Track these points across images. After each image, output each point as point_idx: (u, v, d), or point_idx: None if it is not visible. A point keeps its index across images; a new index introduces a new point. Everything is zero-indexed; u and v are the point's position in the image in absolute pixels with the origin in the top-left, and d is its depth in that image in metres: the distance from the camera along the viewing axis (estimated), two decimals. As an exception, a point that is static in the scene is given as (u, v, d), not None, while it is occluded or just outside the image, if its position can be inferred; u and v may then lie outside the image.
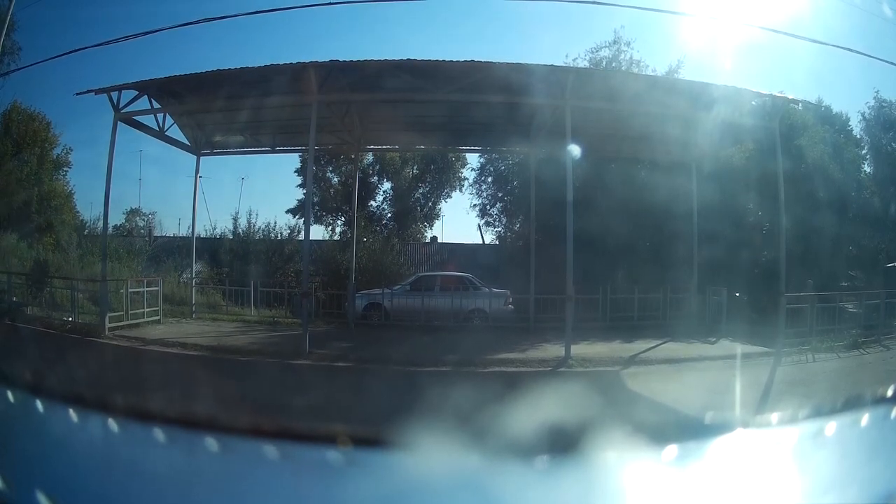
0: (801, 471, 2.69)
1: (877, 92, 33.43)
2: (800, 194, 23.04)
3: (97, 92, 19.89)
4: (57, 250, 28.49)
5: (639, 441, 2.66)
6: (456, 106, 21.87)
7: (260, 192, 69.49)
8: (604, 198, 24.02)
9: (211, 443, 2.70)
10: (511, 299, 24.01)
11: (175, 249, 30.60)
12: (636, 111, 19.06)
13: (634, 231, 24.13)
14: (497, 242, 38.00)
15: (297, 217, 38.47)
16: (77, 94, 20.67)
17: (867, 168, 32.65)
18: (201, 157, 25.83)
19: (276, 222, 36.88)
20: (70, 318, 21.09)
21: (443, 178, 41.44)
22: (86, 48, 20.67)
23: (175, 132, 24.11)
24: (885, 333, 19.93)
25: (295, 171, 39.22)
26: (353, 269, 25.97)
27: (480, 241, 39.30)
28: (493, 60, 17.71)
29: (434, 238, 41.36)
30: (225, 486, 2.58)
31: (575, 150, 18.35)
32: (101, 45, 20.08)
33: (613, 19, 30.80)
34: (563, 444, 2.60)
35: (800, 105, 23.17)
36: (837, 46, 20.55)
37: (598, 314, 23.06)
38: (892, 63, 22.15)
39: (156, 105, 21.46)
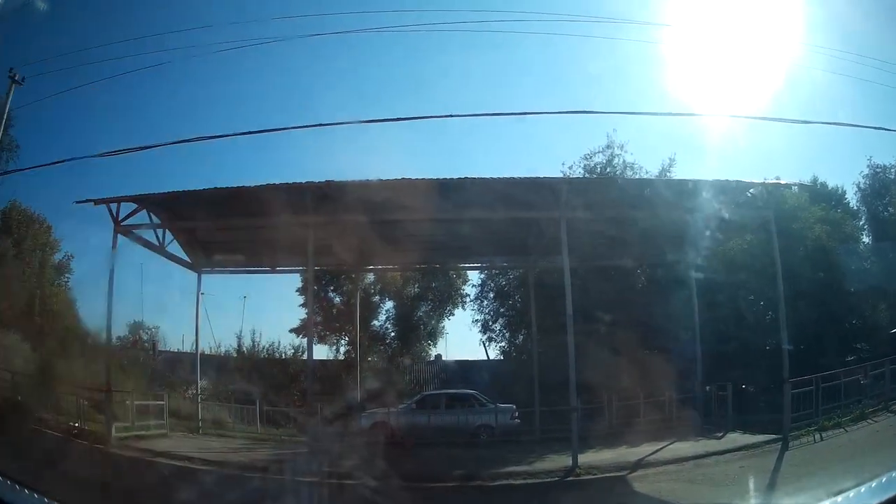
0: None
1: (870, 158, 33.62)
2: (800, 277, 23.23)
3: (96, 202, 20.35)
4: (60, 356, 28.14)
5: None
6: (452, 223, 22.08)
7: (262, 310, 68.93)
8: (604, 304, 24.11)
9: None
10: (517, 413, 23.82)
11: (179, 365, 30.46)
12: (633, 214, 19.30)
13: (637, 335, 24.17)
14: (501, 357, 37.83)
15: (300, 336, 38.27)
16: (76, 202, 21.23)
17: (865, 238, 32.82)
18: (202, 275, 26.07)
19: (279, 341, 36.95)
20: (77, 424, 20.77)
21: (444, 296, 41.47)
22: (86, 157, 20.75)
23: (175, 248, 24.38)
24: (892, 399, 19.88)
25: (296, 291, 39.12)
26: (358, 388, 25.85)
27: (485, 357, 39.16)
28: (486, 176, 18.13)
29: (438, 356, 40.94)
30: None
31: (572, 261, 18.59)
32: (102, 155, 20.15)
33: (605, 124, 31.15)
34: None
35: (796, 188, 23.43)
36: (826, 123, 20.77)
37: (603, 421, 22.91)
38: (880, 128, 22.27)
39: (155, 220, 21.81)
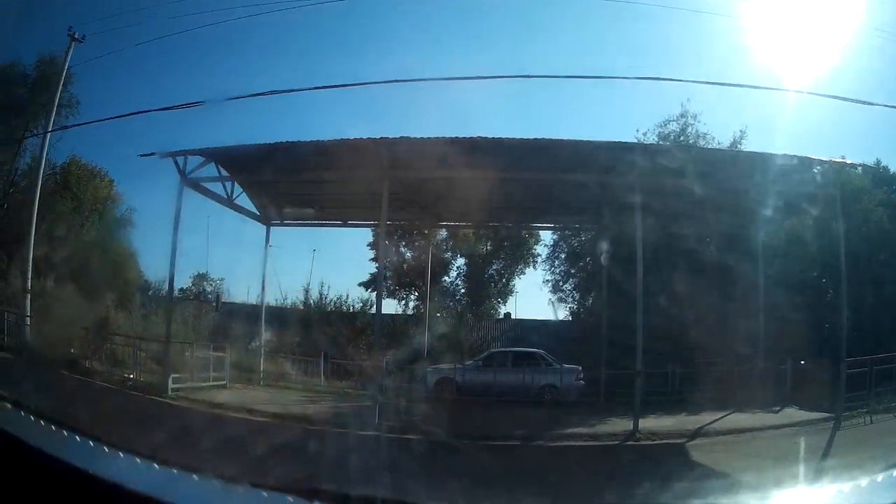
0: None
1: None
2: (861, 259, 22.86)
3: (162, 156, 20.59)
4: (119, 308, 28.77)
5: None
6: (528, 183, 22.00)
7: (332, 263, 69.42)
8: (673, 272, 23.99)
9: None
10: (582, 375, 23.85)
11: (243, 317, 30.78)
12: (703, 183, 19.05)
13: (703, 303, 23.92)
14: (570, 318, 37.85)
15: (369, 290, 38.78)
16: (141, 155, 21.67)
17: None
18: (271, 227, 26.31)
19: (348, 295, 37.31)
20: (131, 375, 21.36)
21: (516, 255, 41.41)
22: (150, 111, 20.72)
23: (244, 200, 24.58)
24: None
25: (367, 245, 39.17)
26: (424, 343, 25.95)
27: (553, 317, 39.18)
28: (560, 138, 17.96)
29: (507, 314, 41.32)
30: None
31: (645, 226, 18.42)
32: (166, 109, 20.20)
33: (681, 93, 30.68)
34: None
35: (859, 168, 22.99)
36: (888, 106, 20.20)
37: (666, 388, 23.03)
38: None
39: (223, 173, 21.96)
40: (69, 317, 24.94)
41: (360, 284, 40.14)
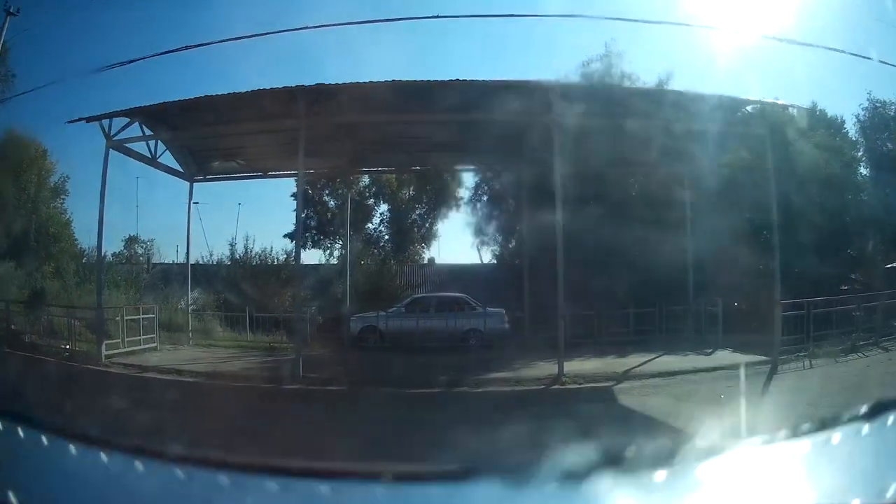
0: (790, 484, 2.61)
1: (869, 93, 33.36)
2: (796, 200, 22.93)
3: (88, 120, 20.12)
4: (56, 278, 28.38)
5: (626, 460, 2.61)
6: (446, 125, 21.66)
7: (258, 217, 69.09)
8: (597, 212, 23.75)
9: (193, 472, 2.69)
10: (507, 318, 23.83)
11: (174, 277, 30.54)
12: (626, 124, 19.00)
13: (628, 244, 24.01)
14: (495, 262, 37.65)
15: (294, 241, 38.21)
16: (68, 122, 21.38)
17: (864, 170, 32.61)
18: (195, 184, 25.95)
19: (272, 247, 36.82)
20: (67, 346, 20.92)
21: (439, 199, 41.24)
22: (75, 76, 20.87)
23: (168, 159, 24.19)
24: (884, 336, 19.90)
25: (291, 196, 38.73)
26: (347, 293, 25.88)
27: (479, 261, 39.07)
28: (479, 79, 17.79)
29: (432, 259, 41.10)
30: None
31: (564, 166, 18.30)
32: (92, 72, 20.14)
33: (604, 33, 30.69)
34: (549, 464, 2.55)
35: (794, 110, 23.15)
36: (828, 48, 20.44)
37: (592, 330, 22.93)
38: (882, 62, 22.07)
39: (147, 132, 21.48)
40: (7, 292, 24.93)
41: (285, 236, 39.42)
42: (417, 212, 42.18)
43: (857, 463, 2.85)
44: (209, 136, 23.09)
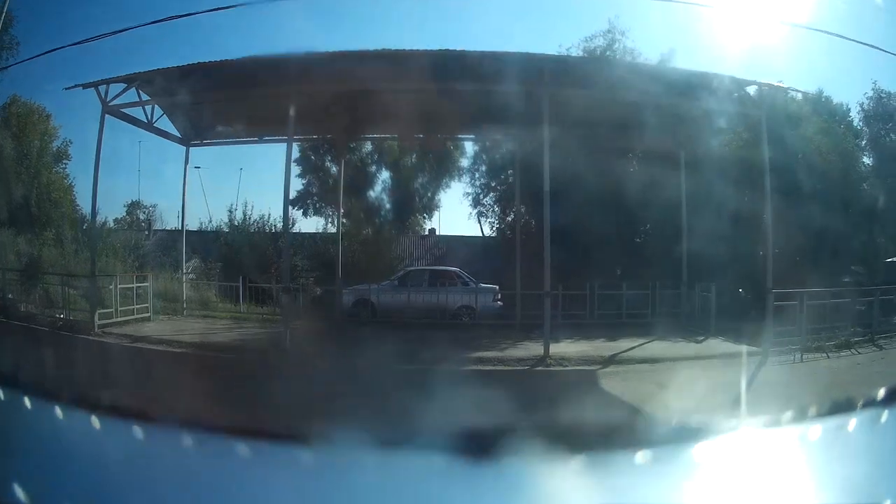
0: (767, 476, 2.62)
1: (874, 83, 33.00)
2: (796, 186, 22.74)
3: (85, 86, 20.22)
4: (55, 245, 28.36)
5: (604, 444, 2.60)
6: (449, 94, 21.42)
7: (260, 183, 69.01)
8: (591, 190, 23.44)
9: (180, 438, 2.76)
10: (499, 295, 23.83)
11: (173, 243, 30.47)
12: (622, 99, 18.90)
13: (623, 224, 23.93)
14: (495, 234, 37.48)
15: (296, 208, 37.96)
16: (66, 88, 21.37)
17: (867, 160, 32.34)
18: (192, 148, 26.07)
19: (270, 213, 36.68)
20: (62, 315, 21.04)
21: (441, 168, 40.93)
22: (74, 44, 20.76)
23: (165, 124, 24.38)
24: (881, 332, 19.54)
25: (295, 161, 38.62)
26: (338, 264, 25.86)
27: (480, 234, 38.86)
28: (467, 49, 17.84)
29: (432, 230, 40.83)
30: (192, 480, 2.64)
31: (556, 140, 18.25)
32: (88, 40, 20.14)
33: (609, 10, 30.39)
34: (521, 446, 2.54)
35: (797, 94, 23.07)
36: (835, 35, 20.20)
37: (584, 311, 22.89)
38: (889, 52, 21.82)
39: (144, 97, 21.58)
40: (5, 260, 25.25)
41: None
42: (420, 180, 41.87)
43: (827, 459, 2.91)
44: (205, 102, 23.14)
